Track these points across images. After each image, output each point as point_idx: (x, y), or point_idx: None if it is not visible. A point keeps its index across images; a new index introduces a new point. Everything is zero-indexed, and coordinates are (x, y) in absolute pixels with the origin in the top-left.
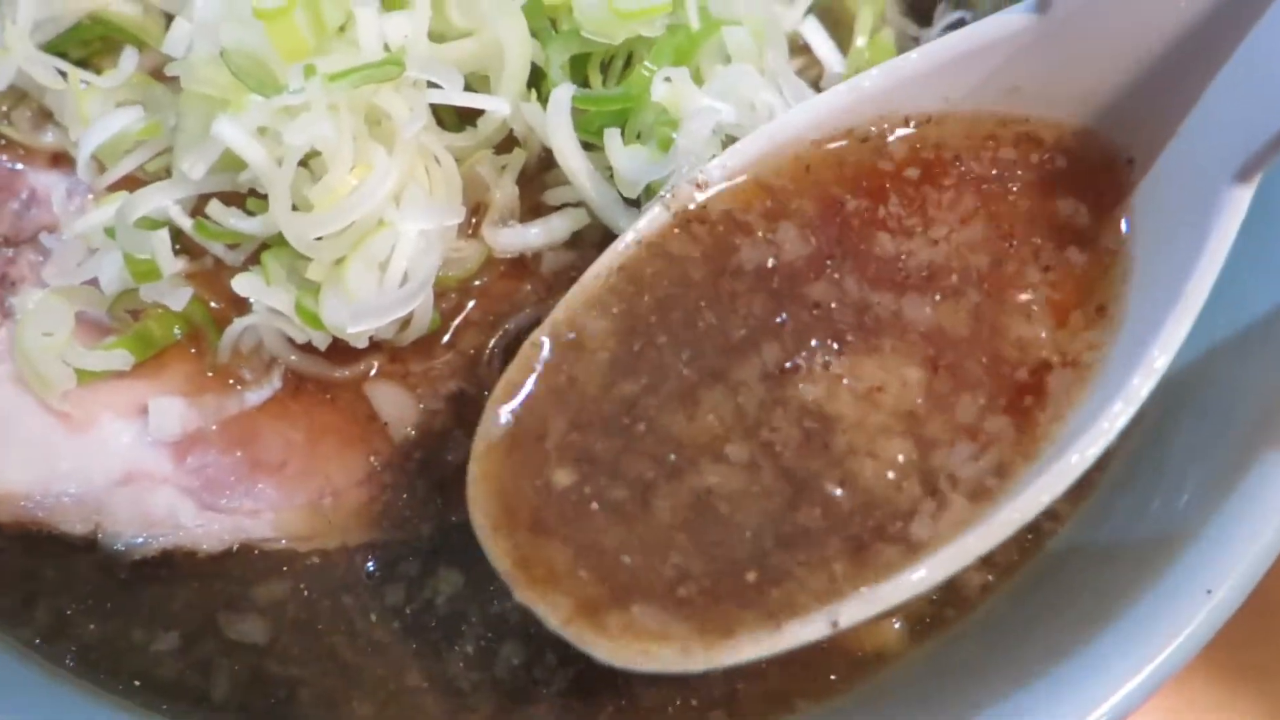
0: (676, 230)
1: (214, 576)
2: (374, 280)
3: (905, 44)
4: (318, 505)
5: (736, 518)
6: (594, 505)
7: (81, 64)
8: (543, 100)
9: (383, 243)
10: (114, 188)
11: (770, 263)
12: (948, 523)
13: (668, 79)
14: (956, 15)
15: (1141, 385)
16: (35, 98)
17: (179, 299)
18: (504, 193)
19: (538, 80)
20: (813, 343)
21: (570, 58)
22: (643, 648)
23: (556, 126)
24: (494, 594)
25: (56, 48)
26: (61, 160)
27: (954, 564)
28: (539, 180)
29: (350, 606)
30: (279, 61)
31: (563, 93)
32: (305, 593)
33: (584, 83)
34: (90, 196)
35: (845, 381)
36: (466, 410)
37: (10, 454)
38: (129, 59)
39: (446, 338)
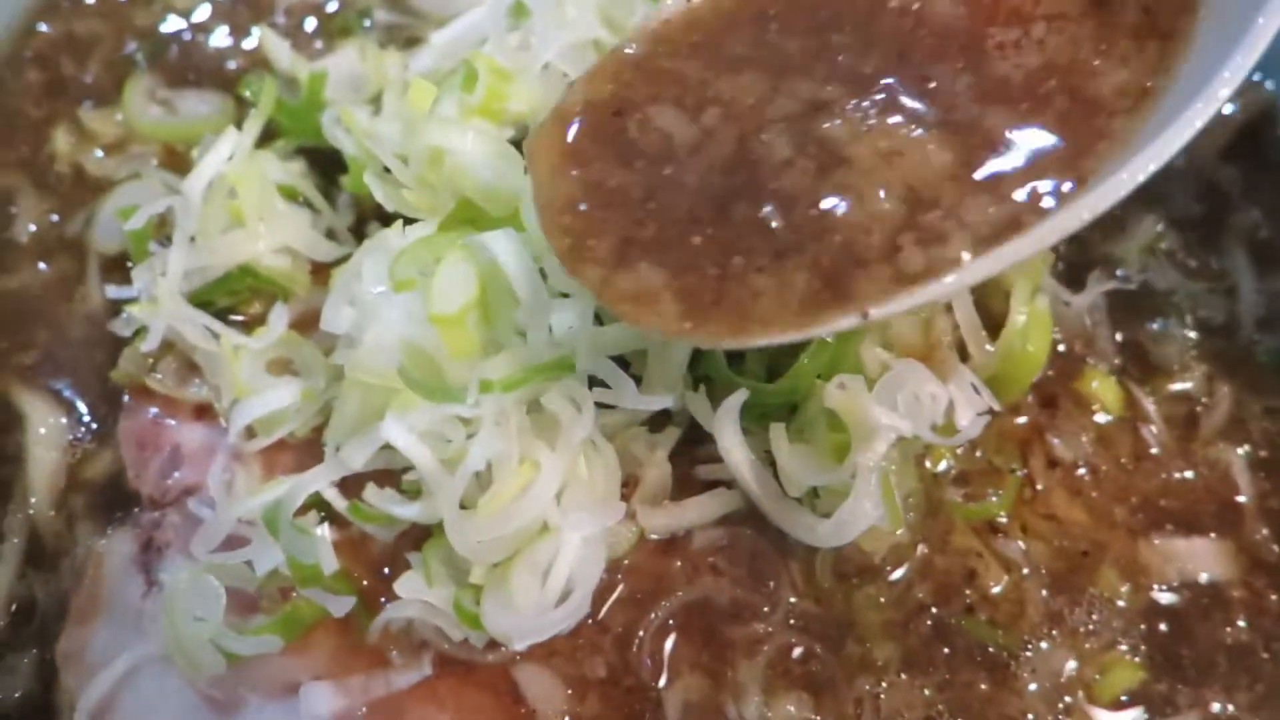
0: None
1: None
2: (536, 586)
3: (1058, 310)
4: None
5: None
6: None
7: (227, 310)
8: (698, 381)
9: (546, 549)
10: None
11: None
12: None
13: (842, 386)
14: (1111, 285)
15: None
16: (182, 350)
17: (341, 606)
18: (658, 470)
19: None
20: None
21: None
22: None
23: (724, 427)
24: None
25: (202, 297)
26: (205, 413)
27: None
28: (689, 454)
29: None
30: (447, 360)
31: (735, 399)
32: None
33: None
34: (237, 461)
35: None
36: (614, 694)
37: None
38: (279, 317)
39: (597, 618)
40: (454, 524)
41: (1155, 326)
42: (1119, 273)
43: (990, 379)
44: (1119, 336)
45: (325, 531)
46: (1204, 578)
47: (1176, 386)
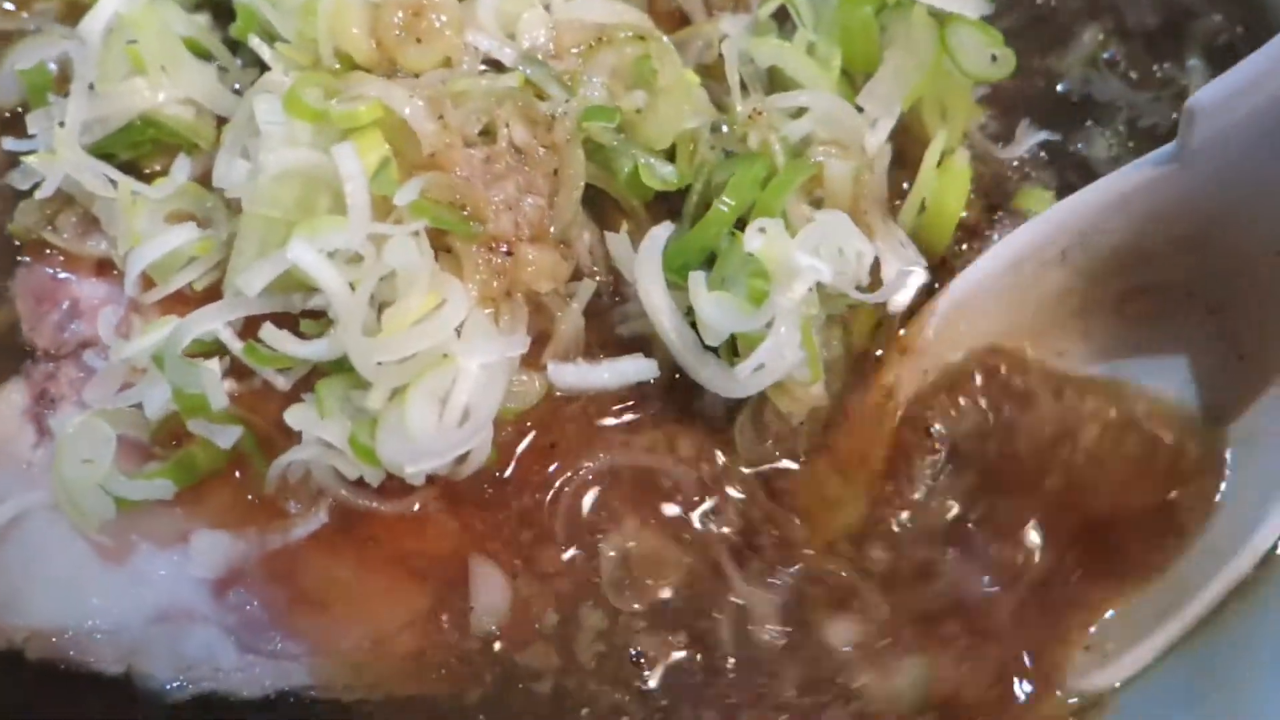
0: None
1: None
2: (434, 415)
3: (987, 166)
4: (362, 651)
5: None
6: None
7: (129, 166)
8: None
9: (444, 376)
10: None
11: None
12: None
13: (763, 230)
14: (1042, 136)
15: None
16: (82, 203)
17: (228, 436)
18: (570, 325)
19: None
20: None
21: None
22: None
23: (646, 266)
24: None
25: (104, 149)
26: (105, 268)
27: None
28: (608, 315)
29: None
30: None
31: (661, 231)
32: None
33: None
34: (135, 313)
35: None
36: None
37: (41, 587)
38: (181, 168)
39: (506, 472)
40: (356, 343)
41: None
42: (1059, 87)
43: (911, 235)
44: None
45: (215, 365)
46: None
47: None
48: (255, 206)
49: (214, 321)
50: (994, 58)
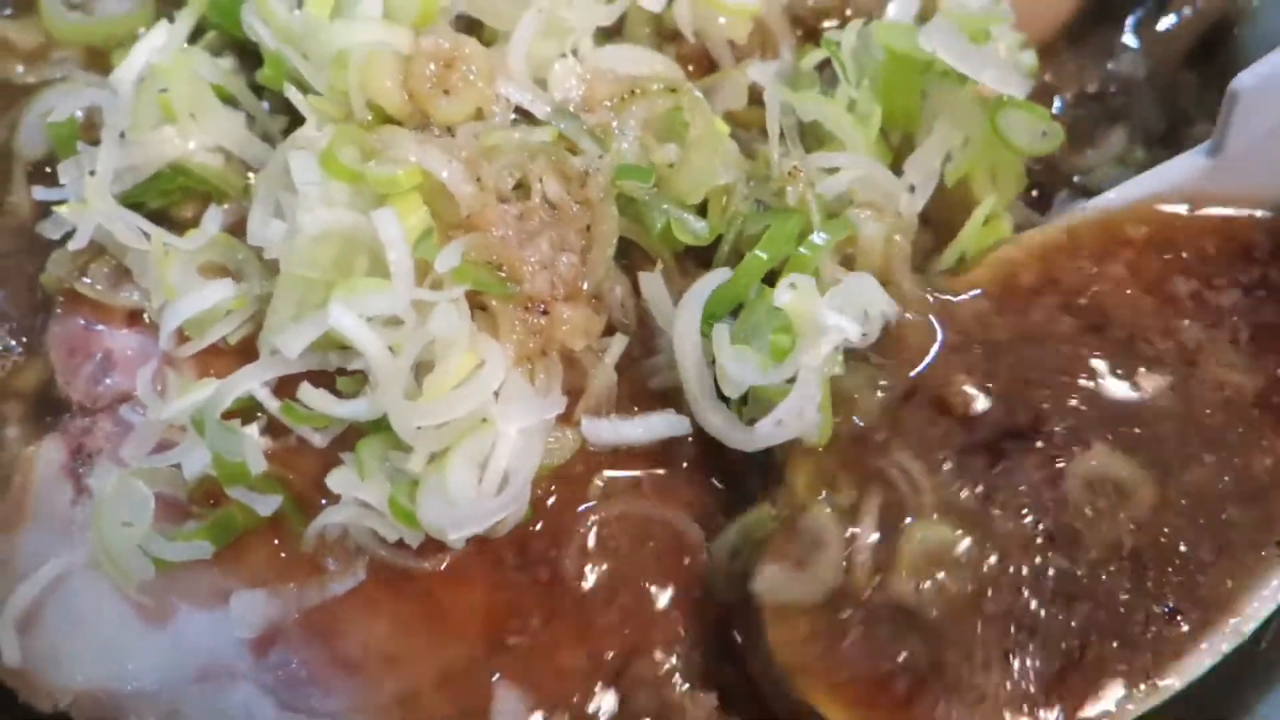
0: None
1: None
2: (474, 479)
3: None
4: (398, 708)
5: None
6: None
7: (160, 214)
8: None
9: (483, 440)
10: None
11: None
12: None
13: (794, 285)
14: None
15: None
16: (113, 254)
17: (268, 505)
18: (602, 380)
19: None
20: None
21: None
22: None
23: (687, 314)
24: None
25: (134, 197)
26: (138, 319)
27: None
28: (637, 366)
29: None
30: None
31: (709, 280)
32: None
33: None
34: (169, 367)
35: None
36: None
37: (85, 648)
38: (212, 219)
39: (538, 526)
40: (397, 407)
41: None
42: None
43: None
44: None
45: (254, 431)
46: None
47: None
48: (293, 267)
49: (251, 382)
50: (1044, 133)
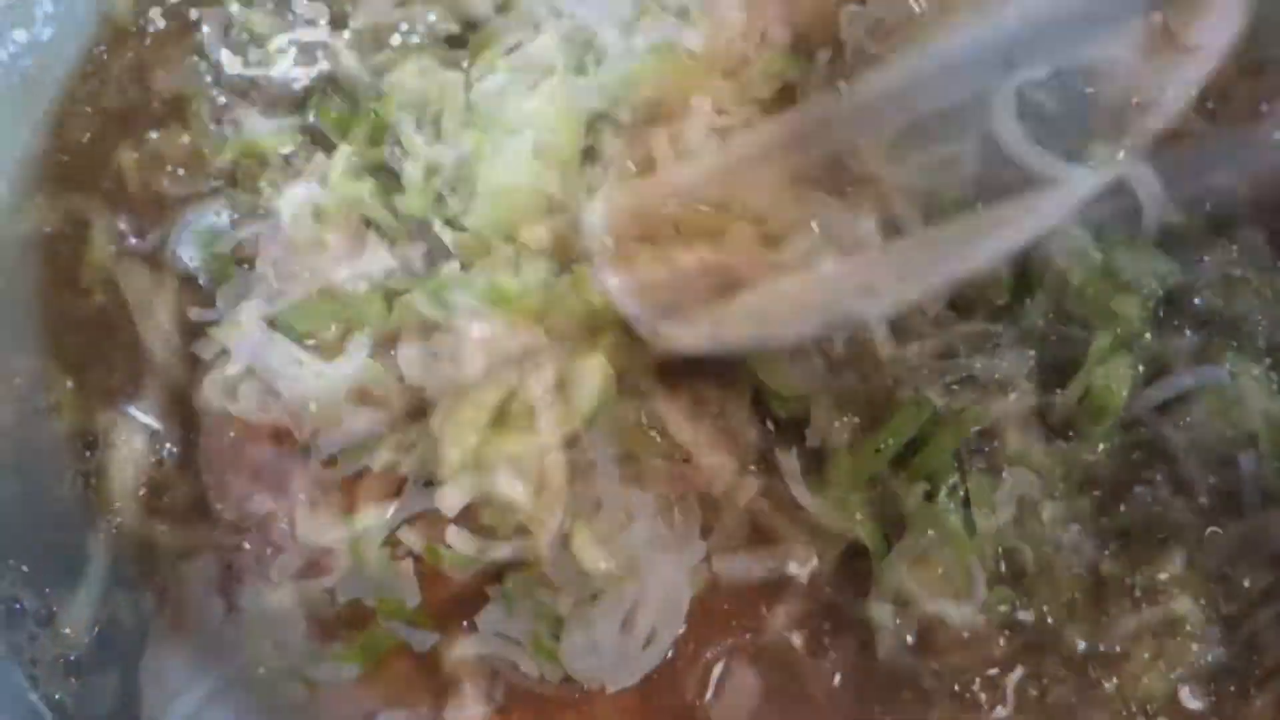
0: None
1: None
2: (619, 632)
3: None
4: None
5: None
6: None
7: (306, 336)
8: None
9: (629, 593)
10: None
11: None
12: None
13: None
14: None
15: None
16: (263, 374)
17: (423, 641)
18: (734, 519)
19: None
20: None
21: None
22: None
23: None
24: None
25: (284, 319)
26: (286, 438)
27: None
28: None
29: None
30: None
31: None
32: None
33: None
34: (318, 489)
35: None
36: None
37: None
38: (359, 346)
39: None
40: (548, 555)
41: None
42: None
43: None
44: None
45: (409, 567)
46: None
47: None
48: (458, 413)
49: (403, 517)
50: None
